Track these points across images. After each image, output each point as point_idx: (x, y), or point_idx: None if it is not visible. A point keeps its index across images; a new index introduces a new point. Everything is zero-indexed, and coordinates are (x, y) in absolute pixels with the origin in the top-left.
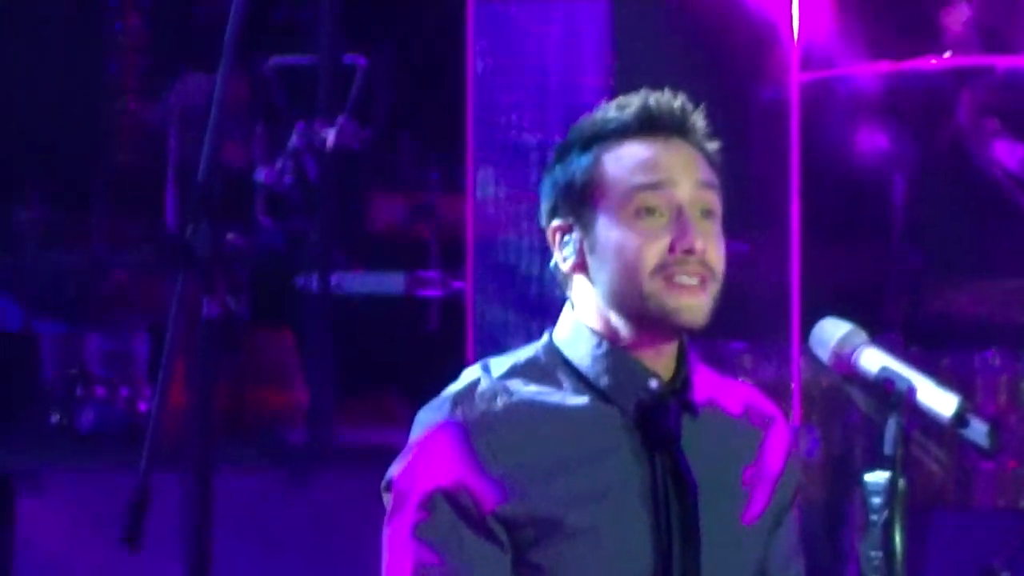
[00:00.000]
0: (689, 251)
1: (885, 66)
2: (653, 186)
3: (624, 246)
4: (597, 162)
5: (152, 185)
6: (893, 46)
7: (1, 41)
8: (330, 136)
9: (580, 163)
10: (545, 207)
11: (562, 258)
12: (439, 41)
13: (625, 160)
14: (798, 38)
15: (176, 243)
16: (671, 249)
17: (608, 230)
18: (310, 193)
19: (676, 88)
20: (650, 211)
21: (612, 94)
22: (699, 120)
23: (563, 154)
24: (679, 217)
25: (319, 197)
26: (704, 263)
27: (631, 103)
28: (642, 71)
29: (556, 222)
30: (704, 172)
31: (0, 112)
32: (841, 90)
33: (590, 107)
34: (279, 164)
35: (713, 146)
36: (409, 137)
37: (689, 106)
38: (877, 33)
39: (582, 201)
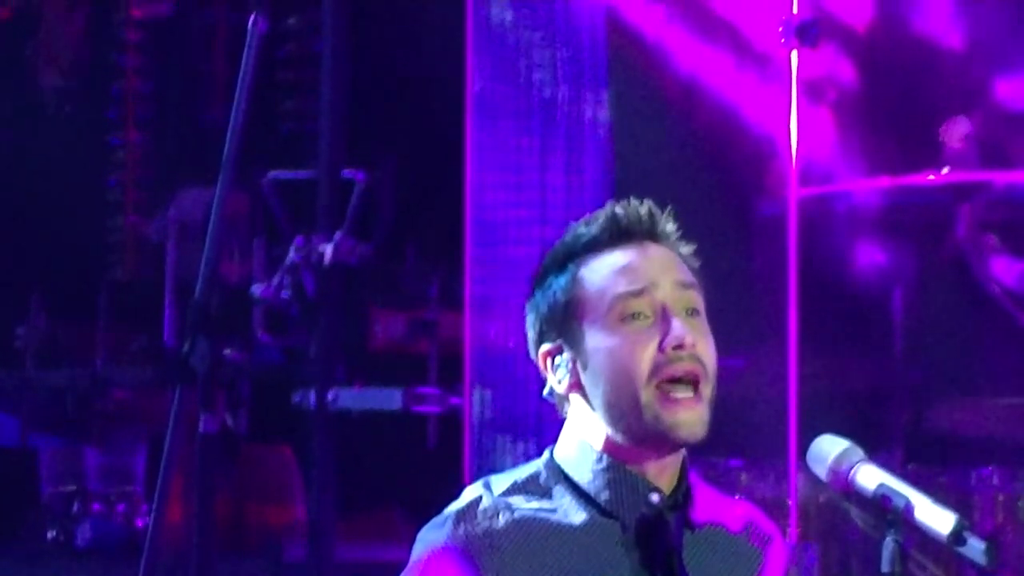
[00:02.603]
0: (679, 346)
1: (884, 181)
2: (635, 293)
3: (615, 354)
4: (575, 279)
5: (151, 299)
6: (892, 161)
7: (2, 159)
8: (328, 251)
9: (559, 283)
10: (532, 336)
11: (556, 381)
12: (439, 154)
13: (602, 271)
14: (797, 153)
15: (174, 358)
16: (661, 348)
17: (597, 341)
18: (308, 308)
19: (676, 202)
20: (635, 316)
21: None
22: (669, 224)
23: (540, 280)
24: (664, 316)
25: (317, 312)
26: (696, 357)
27: (598, 216)
28: (642, 187)
29: (545, 347)
30: (682, 273)
31: (1, 227)
32: (840, 205)
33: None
34: (276, 279)
35: (687, 248)
36: (411, 250)
37: (657, 211)
38: (876, 148)
39: (566, 319)
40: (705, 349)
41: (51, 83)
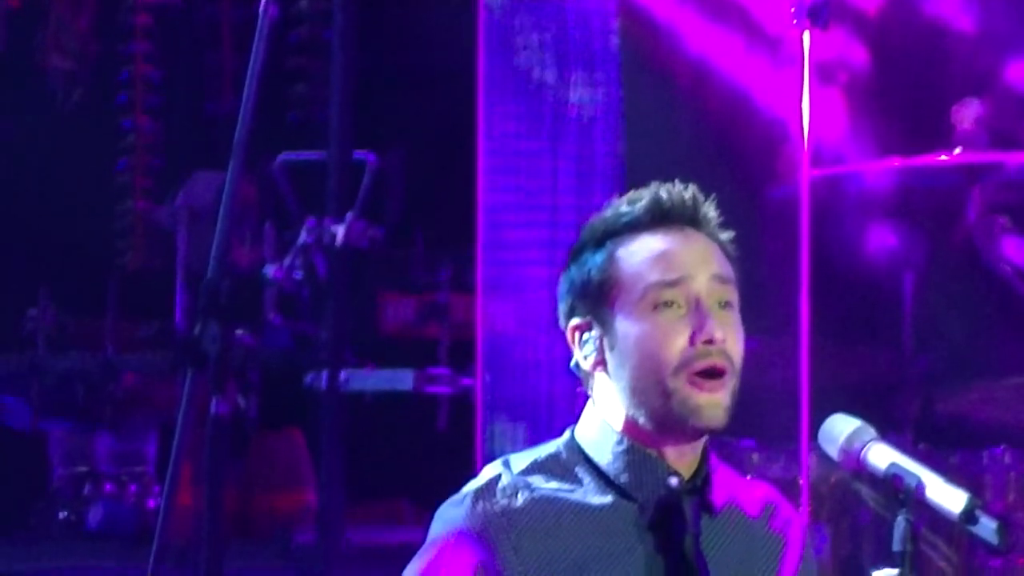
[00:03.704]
0: (709, 341)
1: (895, 163)
2: (670, 283)
3: (644, 341)
4: (611, 258)
5: (162, 285)
6: (903, 143)
7: (11, 144)
8: (339, 233)
9: (594, 261)
10: (563, 308)
11: (582, 356)
12: (450, 138)
13: (640, 255)
14: (808, 135)
15: (185, 342)
16: (691, 342)
17: (627, 326)
18: (320, 290)
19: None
20: (668, 304)
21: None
22: (711, 211)
23: (577, 254)
24: (697, 308)
25: (329, 294)
26: (724, 353)
27: (642, 196)
28: (653, 170)
29: (575, 321)
30: (720, 265)
31: (11, 214)
32: (851, 188)
33: (601, 203)
34: (288, 261)
35: (727, 236)
36: (420, 235)
37: (701, 197)
38: (887, 131)
39: (599, 299)
40: (734, 344)
41: (60, 70)
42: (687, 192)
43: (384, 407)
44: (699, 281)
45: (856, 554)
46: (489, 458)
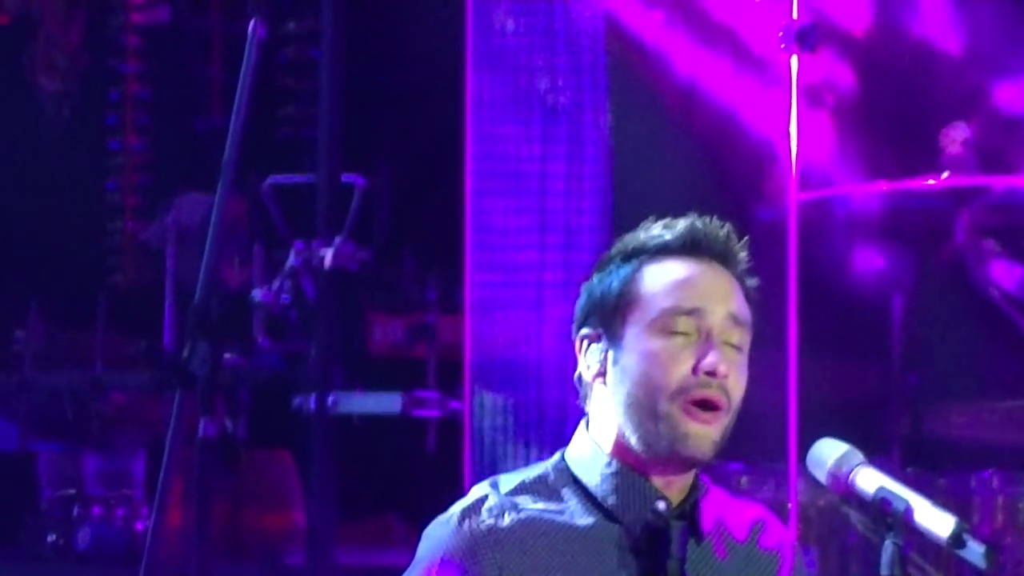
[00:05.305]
0: (712, 373)
1: (883, 185)
2: (685, 311)
3: (648, 360)
4: (636, 274)
5: (150, 304)
6: (891, 166)
7: (1, 162)
8: (328, 256)
9: (619, 273)
10: (577, 316)
11: (585, 366)
12: (438, 157)
13: (663, 278)
14: (796, 157)
15: (174, 363)
16: (694, 371)
17: (635, 342)
18: (308, 313)
19: (676, 208)
20: (679, 331)
21: (612, 216)
22: (742, 252)
23: (603, 265)
24: (707, 341)
25: (317, 317)
26: (724, 388)
27: (677, 223)
28: (642, 192)
29: (585, 331)
30: (739, 306)
31: (1, 231)
32: (839, 210)
33: (590, 223)
34: (276, 283)
35: (752, 282)
36: (409, 255)
37: (735, 237)
38: (875, 153)
39: (615, 311)
40: (736, 384)
41: (50, 88)
42: (722, 229)
43: (373, 429)
44: (715, 316)
45: None
46: (477, 479)
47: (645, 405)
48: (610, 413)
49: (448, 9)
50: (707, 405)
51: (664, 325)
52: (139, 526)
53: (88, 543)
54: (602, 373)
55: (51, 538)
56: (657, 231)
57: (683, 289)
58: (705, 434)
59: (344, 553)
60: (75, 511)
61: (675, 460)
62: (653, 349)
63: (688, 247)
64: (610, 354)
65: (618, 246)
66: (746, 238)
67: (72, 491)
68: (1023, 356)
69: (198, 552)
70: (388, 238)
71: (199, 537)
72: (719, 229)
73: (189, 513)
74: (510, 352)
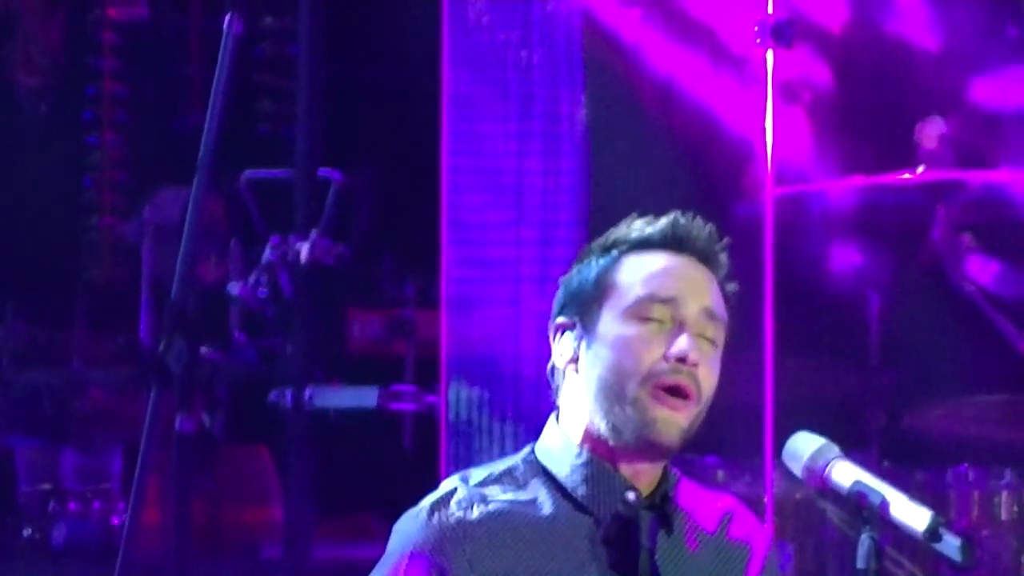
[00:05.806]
0: (682, 360)
1: (859, 181)
2: (660, 299)
3: (620, 345)
4: (615, 264)
5: (128, 300)
6: (867, 162)
7: None
8: (304, 250)
9: (599, 263)
10: (555, 308)
11: (559, 354)
12: (417, 154)
13: (641, 268)
14: (773, 154)
15: (150, 359)
16: (665, 357)
17: (608, 328)
18: (285, 308)
19: (653, 204)
20: (653, 319)
21: (589, 212)
22: (722, 253)
23: (583, 257)
24: (679, 329)
25: (294, 312)
26: (694, 377)
27: (660, 219)
28: (619, 189)
29: (560, 319)
30: (715, 302)
31: None
32: (816, 207)
33: (567, 219)
34: (253, 278)
35: (732, 286)
36: (387, 251)
37: (716, 236)
38: (851, 149)
39: (591, 301)
40: (707, 375)
41: (29, 84)
42: (704, 229)
43: (350, 423)
44: (690, 308)
45: (820, 572)
46: (454, 470)
47: (616, 390)
48: (581, 400)
49: (428, 5)
50: (676, 391)
51: (638, 312)
52: (115, 520)
53: (64, 538)
54: (575, 360)
55: (27, 533)
56: (638, 224)
57: (660, 279)
58: (673, 420)
59: (321, 547)
60: (51, 506)
61: (642, 446)
62: (626, 334)
63: (669, 241)
64: (583, 341)
65: (598, 240)
66: (726, 239)
67: (48, 486)
68: (999, 352)
69: (176, 547)
70: (368, 234)
71: (177, 532)
72: (702, 228)
73: (166, 509)
74: (487, 348)
